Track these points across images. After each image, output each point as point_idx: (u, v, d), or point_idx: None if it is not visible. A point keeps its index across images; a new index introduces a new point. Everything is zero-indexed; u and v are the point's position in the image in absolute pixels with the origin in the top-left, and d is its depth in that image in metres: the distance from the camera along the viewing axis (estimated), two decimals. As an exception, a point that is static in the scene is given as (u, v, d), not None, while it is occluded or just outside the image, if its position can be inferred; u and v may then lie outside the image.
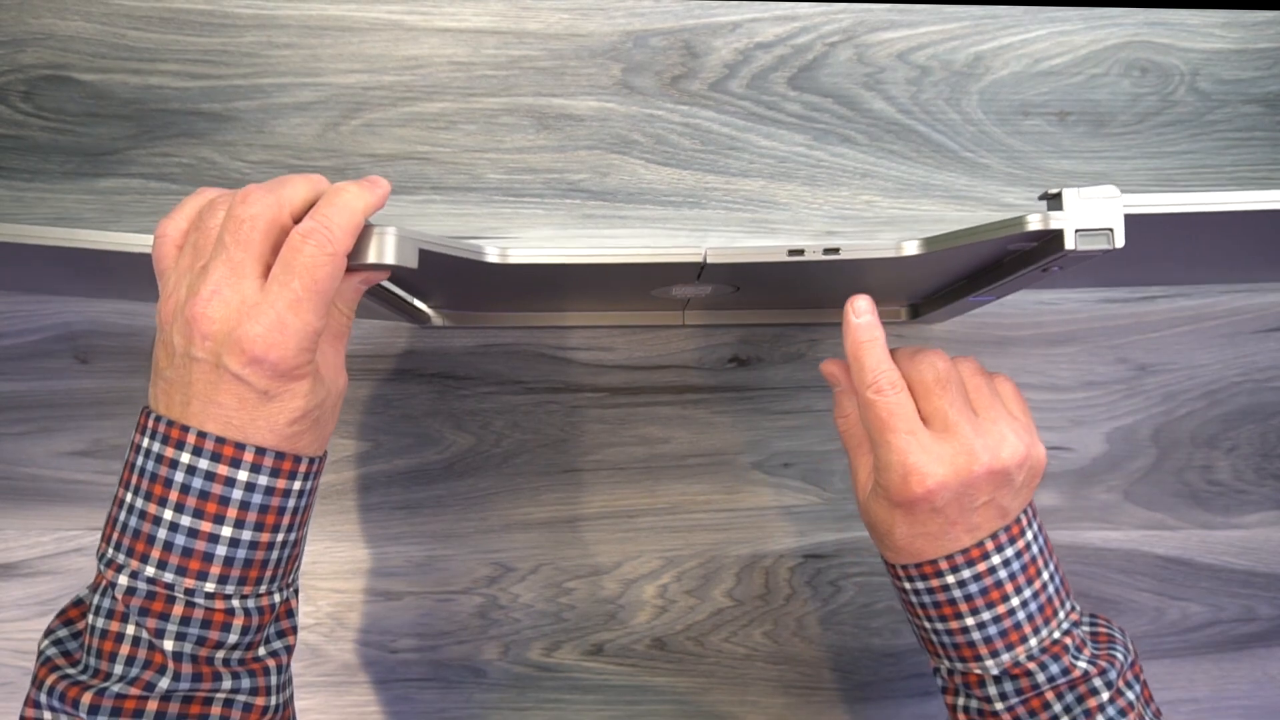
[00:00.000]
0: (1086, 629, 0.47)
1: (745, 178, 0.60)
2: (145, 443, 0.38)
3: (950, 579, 0.43)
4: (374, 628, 0.61)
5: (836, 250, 0.42)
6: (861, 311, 0.43)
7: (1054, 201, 0.39)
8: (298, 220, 0.37)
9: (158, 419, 0.37)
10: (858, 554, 0.62)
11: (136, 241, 0.43)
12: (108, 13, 0.57)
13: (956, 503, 0.43)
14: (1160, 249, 0.48)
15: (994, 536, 0.43)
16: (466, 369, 0.60)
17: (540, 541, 0.61)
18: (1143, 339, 0.62)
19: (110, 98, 0.58)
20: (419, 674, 0.61)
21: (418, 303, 0.55)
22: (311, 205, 0.38)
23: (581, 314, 0.59)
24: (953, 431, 0.43)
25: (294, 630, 0.41)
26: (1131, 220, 0.38)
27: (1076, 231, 0.38)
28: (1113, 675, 0.43)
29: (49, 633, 0.39)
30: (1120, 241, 0.38)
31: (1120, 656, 0.44)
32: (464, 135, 0.59)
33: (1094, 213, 0.38)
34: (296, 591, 0.42)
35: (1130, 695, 0.44)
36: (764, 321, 0.60)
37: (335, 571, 0.60)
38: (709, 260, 0.44)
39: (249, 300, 0.36)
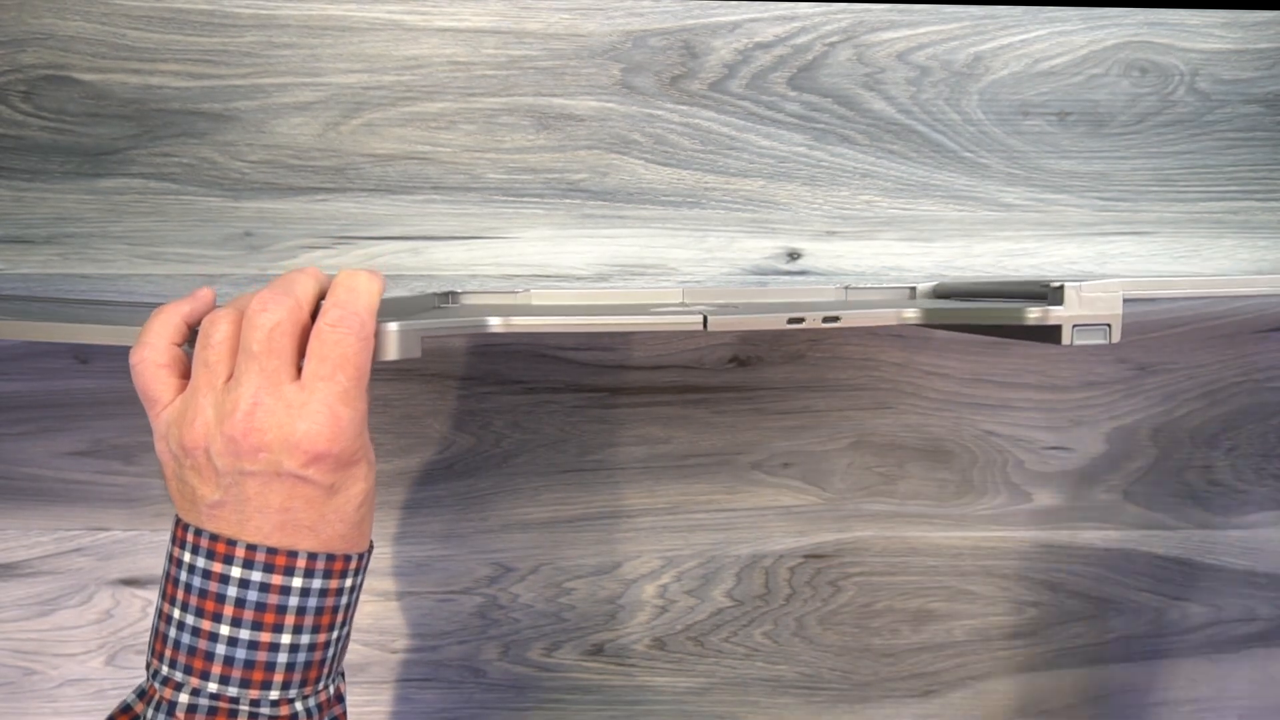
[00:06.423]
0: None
1: (745, 177, 0.60)
2: (187, 558, 0.37)
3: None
4: (374, 628, 0.61)
5: (837, 319, 0.42)
6: None
7: (1054, 294, 0.38)
8: (312, 315, 0.38)
9: (198, 533, 0.37)
10: (857, 554, 0.62)
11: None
12: (108, 13, 0.57)
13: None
14: None
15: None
16: (466, 369, 0.60)
17: (540, 541, 0.61)
18: (1143, 339, 0.61)
19: (110, 98, 0.57)
20: (419, 674, 0.61)
21: None
22: (318, 297, 0.38)
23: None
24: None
25: (345, 715, 0.41)
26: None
27: (1075, 327, 0.38)
28: None
29: None
30: (1118, 336, 0.38)
31: None
32: (464, 135, 0.59)
33: (1093, 308, 0.38)
34: (343, 675, 0.42)
35: None
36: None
37: (335, 571, 0.60)
38: (710, 329, 0.45)
39: (294, 403, 0.35)
